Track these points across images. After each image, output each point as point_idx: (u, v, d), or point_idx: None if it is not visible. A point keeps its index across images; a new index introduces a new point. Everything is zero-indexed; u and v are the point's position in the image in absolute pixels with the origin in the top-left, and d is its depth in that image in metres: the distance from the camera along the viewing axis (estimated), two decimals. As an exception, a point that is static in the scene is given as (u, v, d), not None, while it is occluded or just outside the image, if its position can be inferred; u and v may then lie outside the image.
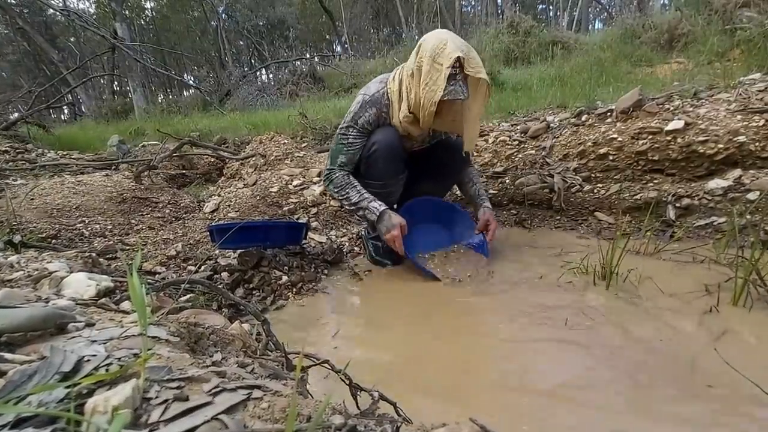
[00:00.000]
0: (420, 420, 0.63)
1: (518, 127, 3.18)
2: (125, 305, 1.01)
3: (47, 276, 1.14)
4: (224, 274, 2.03)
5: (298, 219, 2.95)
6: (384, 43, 18.17)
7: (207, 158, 4.83)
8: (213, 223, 2.93)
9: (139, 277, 0.61)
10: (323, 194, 3.14)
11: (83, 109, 15.81)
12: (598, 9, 22.81)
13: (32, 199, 3.10)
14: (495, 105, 3.88)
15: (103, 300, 1.02)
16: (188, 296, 1.64)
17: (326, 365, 0.88)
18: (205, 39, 21.09)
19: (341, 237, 2.68)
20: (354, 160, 2.10)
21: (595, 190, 2.62)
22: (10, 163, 4.30)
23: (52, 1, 15.09)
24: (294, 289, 2.02)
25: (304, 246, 2.39)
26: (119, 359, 0.60)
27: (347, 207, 2.14)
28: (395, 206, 2.30)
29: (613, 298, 1.72)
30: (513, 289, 1.90)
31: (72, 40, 19.81)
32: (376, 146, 2.03)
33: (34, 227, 2.68)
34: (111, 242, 2.70)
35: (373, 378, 1.23)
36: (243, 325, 1.00)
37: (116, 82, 19.21)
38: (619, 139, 2.57)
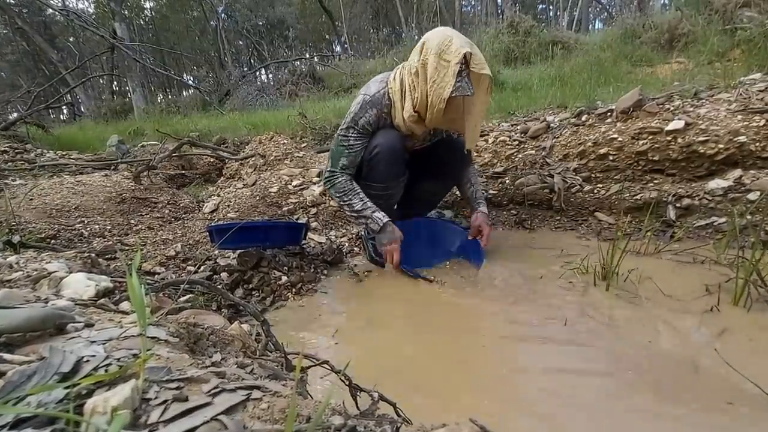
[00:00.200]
0: (420, 420, 0.63)
1: (518, 127, 3.18)
2: (124, 306, 1.01)
3: (46, 276, 1.13)
4: (224, 275, 2.03)
5: (297, 219, 2.95)
6: (384, 43, 18.16)
7: (206, 158, 4.83)
8: (212, 224, 2.93)
9: (139, 278, 0.61)
10: (323, 194, 3.13)
11: (82, 109, 15.80)
12: (598, 9, 22.82)
13: (31, 199, 3.10)
14: (495, 105, 3.88)
15: (102, 300, 1.01)
16: (187, 297, 1.63)
17: (326, 366, 0.88)
18: (205, 39, 21.06)
19: (341, 237, 2.68)
20: (356, 162, 2.08)
21: (596, 191, 2.62)
22: (9, 164, 4.29)
23: (51, 1, 15.08)
24: (293, 290, 2.02)
25: (304, 246, 2.39)
26: (118, 360, 0.60)
27: (348, 213, 2.13)
28: (396, 206, 2.30)
29: (613, 298, 1.72)
30: (513, 289, 1.90)
31: (71, 40, 19.79)
32: (378, 149, 2.02)
33: (33, 227, 2.68)
34: (110, 242, 2.70)
35: (372, 378, 1.23)
36: (242, 325, 0.99)
37: (115, 82, 19.20)
38: (620, 139, 2.57)
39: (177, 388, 0.55)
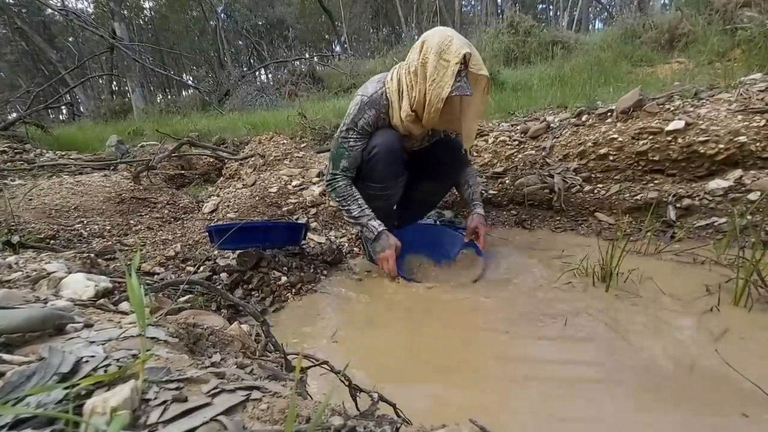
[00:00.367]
0: (419, 421, 0.63)
1: (518, 127, 3.18)
2: (124, 306, 1.01)
3: (46, 277, 1.13)
4: (223, 275, 2.03)
5: (297, 219, 2.94)
6: (383, 42, 18.17)
7: (206, 158, 4.82)
8: (212, 224, 2.93)
9: (138, 278, 0.61)
10: (322, 195, 3.13)
11: (82, 109, 15.80)
12: (598, 9, 22.82)
13: (30, 199, 3.10)
14: (495, 105, 3.88)
15: (101, 301, 1.01)
16: (187, 297, 1.63)
17: (325, 366, 0.88)
18: (204, 39, 21.06)
19: (340, 237, 2.68)
20: (356, 163, 2.09)
21: (596, 191, 2.62)
22: (9, 164, 4.29)
23: (51, 1, 15.07)
24: (293, 290, 2.02)
25: (304, 246, 2.39)
26: (118, 360, 0.60)
27: (347, 218, 2.14)
28: (395, 207, 2.30)
29: (613, 298, 1.72)
30: (513, 289, 1.90)
31: (70, 39, 19.75)
32: (376, 149, 2.02)
33: (33, 228, 2.68)
34: (109, 243, 2.69)
35: (372, 378, 1.23)
36: (242, 325, 0.99)
37: (115, 82, 19.19)
38: (620, 139, 2.57)
39: (176, 389, 0.54)
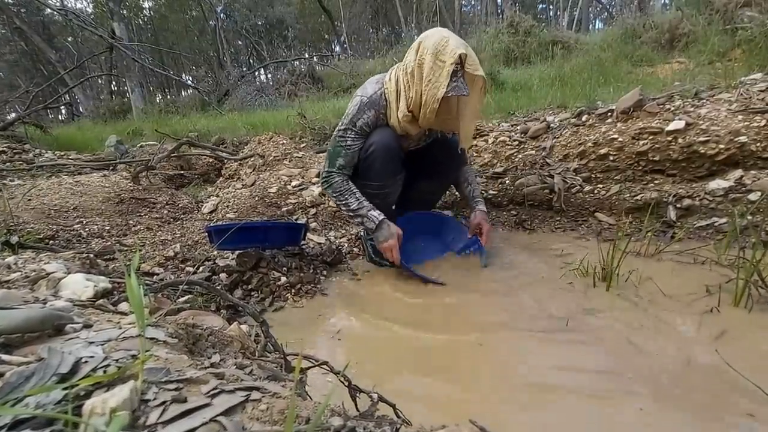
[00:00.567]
0: (419, 421, 0.63)
1: (518, 128, 3.18)
2: (123, 306, 1.00)
3: (45, 277, 1.13)
4: (223, 275, 2.02)
5: (296, 220, 2.94)
6: (383, 42, 18.17)
7: (205, 159, 4.82)
8: (211, 224, 2.92)
9: (137, 279, 0.61)
10: (322, 195, 3.13)
11: (81, 110, 15.80)
12: (598, 9, 22.84)
13: (29, 199, 3.09)
14: (495, 105, 3.88)
15: (100, 301, 1.01)
16: (186, 297, 1.63)
17: (325, 366, 0.88)
18: (204, 39, 21.07)
19: (340, 238, 2.68)
20: (353, 163, 2.09)
21: (596, 191, 2.62)
22: (8, 164, 4.29)
23: (50, 1, 15.08)
24: (293, 290, 2.01)
25: (303, 247, 2.38)
26: (117, 361, 0.60)
27: (345, 213, 2.14)
28: (394, 207, 2.30)
29: (613, 299, 1.71)
30: (513, 289, 1.90)
31: (70, 39, 19.74)
32: (373, 147, 2.02)
33: (32, 228, 2.67)
34: (109, 243, 2.69)
35: (372, 379, 1.23)
36: (241, 326, 0.99)
37: (114, 82, 19.19)
38: (620, 139, 2.57)
39: (176, 389, 0.54)
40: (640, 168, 2.53)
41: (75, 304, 0.89)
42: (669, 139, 2.40)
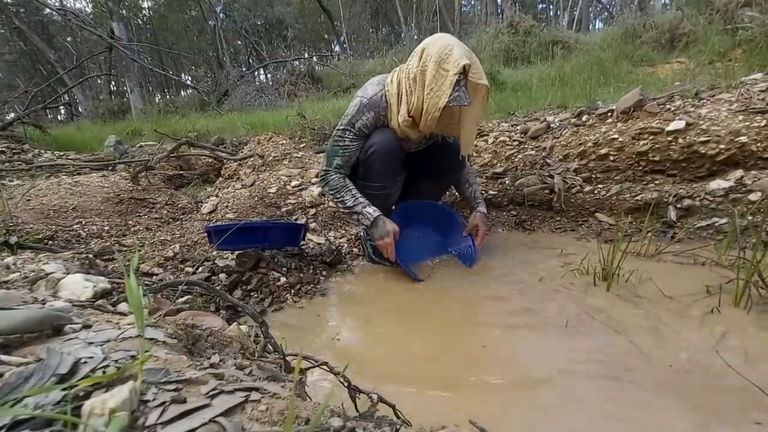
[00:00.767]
0: (419, 422, 0.62)
1: (518, 128, 3.18)
2: (122, 307, 1.00)
3: (44, 277, 1.13)
4: (222, 276, 2.02)
5: (296, 220, 2.94)
6: (383, 42, 18.20)
7: (205, 159, 4.82)
8: (211, 224, 2.92)
9: (137, 279, 0.60)
10: (322, 195, 3.13)
11: (80, 110, 15.80)
12: (598, 8, 22.83)
13: (29, 199, 3.09)
14: (495, 105, 3.88)
15: (100, 302, 1.01)
16: (186, 298, 1.63)
17: (325, 367, 0.88)
18: (203, 39, 21.07)
19: (340, 238, 2.67)
20: (350, 163, 2.10)
21: (596, 191, 2.62)
22: (7, 164, 4.28)
23: (49, 1, 15.07)
24: (292, 291, 2.01)
25: (303, 247, 2.38)
26: (116, 361, 0.60)
27: (343, 210, 2.14)
28: (393, 207, 2.30)
29: (613, 299, 1.71)
30: (513, 290, 1.89)
31: (69, 39, 19.74)
32: (373, 148, 2.02)
33: (31, 228, 2.67)
34: (108, 243, 2.69)
35: (371, 379, 1.22)
36: (241, 326, 0.99)
37: (113, 82, 19.22)
38: (620, 139, 2.57)
39: (175, 390, 0.54)
40: (641, 168, 2.53)
41: (74, 305, 0.89)
42: (669, 139, 2.40)
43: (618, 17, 10.38)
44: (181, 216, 3.46)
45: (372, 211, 2.06)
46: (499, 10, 17.47)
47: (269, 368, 0.78)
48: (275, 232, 2.19)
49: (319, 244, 2.55)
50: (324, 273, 2.23)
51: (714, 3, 4.77)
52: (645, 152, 2.47)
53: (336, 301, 1.99)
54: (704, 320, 1.49)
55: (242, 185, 3.58)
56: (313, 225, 2.83)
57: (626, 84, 3.76)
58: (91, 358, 0.59)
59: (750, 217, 2.06)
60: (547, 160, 2.84)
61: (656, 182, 2.48)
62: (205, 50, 21.74)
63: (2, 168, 3.93)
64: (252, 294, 1.96)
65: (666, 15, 6.07)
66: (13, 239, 2.04)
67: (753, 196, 2.14)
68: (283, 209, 3.07)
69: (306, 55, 16.70)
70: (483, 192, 2.83)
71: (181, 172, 4.69)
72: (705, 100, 2.51)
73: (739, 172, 2.25)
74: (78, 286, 1.08)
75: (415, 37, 13.84)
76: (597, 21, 23.03)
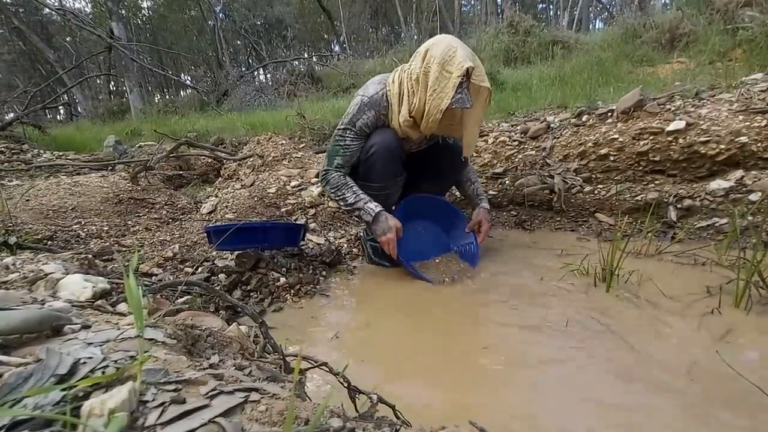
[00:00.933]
0: (419, 422, 0.62)
1: (518, 128, 3.18)
2: (122, 307, 1.00)
3: (43, 278, 1.12)
4: (221, 276, 2.02)
5: (296, 220, 2.94)
6: (383, 42, 18.20)
7: (204, 159, 4.82)
8: (210, 225, 2.92)
9: (136, 279, 0.60)
10: (321, 195, 3.13)
11: (79, 110, 15.81)
12: (598, 8, 22.84)
13: (28, 200, 3.09)
14: (495, 105, 3.88)
15: (99, 302, 1.00)
16: (185, 298, 1.62)
17: (324, 367, 0.87)
18: (203, 39, 21.05)
19: (339, 238, 2.67)
20: (351, 162, 2.10)
21: (596, 191, 2.62)
22: (6, 164, 4.29)
23: (48, 1, 15.06)
24: (292, 291, 2.01)
25: (302, 247, 2.38)
26: (116, 361, 0.59)
27: (344, 208, 2.14)
28: (394, 207, 2.30)
29: (613, 299, 1.71)
30: (513, 290, 1.89)
31: (68, 39, 19.75)
32: (374, 148, 2.02)
33: (30, 228, 2.67)
34: (107, 244, 2.68)
35: (371, 380, 1.22)
36: (240, 327, 0.98)
37: (113, 82, 19.23)
38: (620, 139, 2.57)
39: (174, 390, 0.54)
40: (641, 168, 2.53)
41: (73, 305, 0.89)
42: (669, 139, 2.40)
43: (618, 17, 10.39)
44: (181, 216, 3.46)
45: (374, 206, 2.05)
46: (499, 10, 17.48)
47: (269, 369, 0.77)
48: (275, 232, 2.19)
49: (319, 244, 2.55)
50: (324, 273, 2.23)
51: (714, 3, 4.77)
52: (645, 152, 2.47)
53: (336, 301, 1.98)
54: (704, 321, 1.49)
55: (242, 185, 3.58)
56: (312, 225, 2.83)
57: (626, 84, 3.76)
58: (90, 358, 0.59)
59: (750, 218, 2.06)
60: (547, 160, 2.84)
61: (656, 182, 2.48)
62: (204, 50, 21.72)
63: (1, 168, 3.94)
64: (251, 294, 1.96)
65: (666, 15, 6.07)
66: (13, 239, 2.03)
67: (753, 197, 2.14)
68: (283, 209, 3.07)
69: (306, 55, 16.70)
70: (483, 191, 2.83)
71: (181, 172, 4.69)
72: (705, 100, 2.51)
73: (739, 173, 2.24)
74: (77, 286, 1.08)
75: (415, 37, 13.82)
76: (597, 21, 23.07)
